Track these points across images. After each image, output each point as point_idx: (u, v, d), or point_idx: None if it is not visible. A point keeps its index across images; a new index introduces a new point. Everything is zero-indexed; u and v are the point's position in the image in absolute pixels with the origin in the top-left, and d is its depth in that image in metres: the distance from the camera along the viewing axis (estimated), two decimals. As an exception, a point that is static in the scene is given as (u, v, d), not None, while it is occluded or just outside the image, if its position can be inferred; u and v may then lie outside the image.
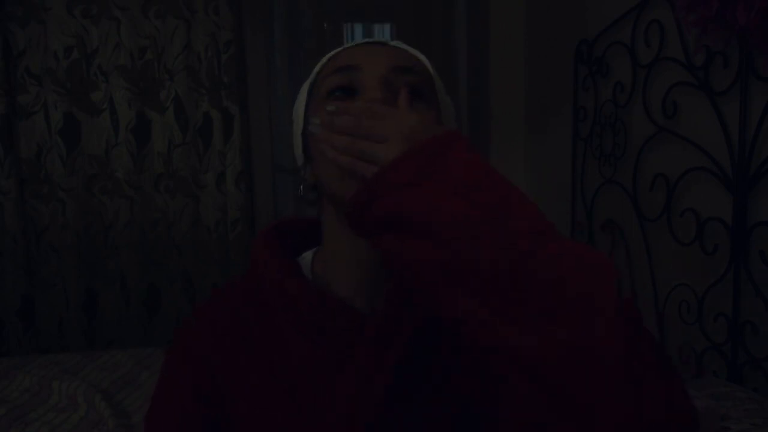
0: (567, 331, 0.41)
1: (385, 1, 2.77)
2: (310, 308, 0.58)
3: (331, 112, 0.51)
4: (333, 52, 0.64)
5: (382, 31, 2.83)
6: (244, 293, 0.64)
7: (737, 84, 1.25)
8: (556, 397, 0.41)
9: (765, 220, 1.20)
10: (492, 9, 2.19)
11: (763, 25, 1.12)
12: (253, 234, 2.46)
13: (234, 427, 0.59)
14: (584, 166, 1.85)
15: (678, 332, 1.46)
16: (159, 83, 2.31)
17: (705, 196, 1.37)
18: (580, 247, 0.45)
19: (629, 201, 1.62)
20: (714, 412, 1.05)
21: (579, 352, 0.40)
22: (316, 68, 0.65)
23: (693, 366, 1.40)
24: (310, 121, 0.55)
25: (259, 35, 2.42)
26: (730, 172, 1.28)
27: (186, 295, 2.41)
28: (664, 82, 1.47)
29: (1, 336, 2.24)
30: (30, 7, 2.17)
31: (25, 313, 2.25)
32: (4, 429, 1.50)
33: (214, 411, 0.59)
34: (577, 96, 1.87)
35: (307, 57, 2.64)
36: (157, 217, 2.36)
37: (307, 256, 0.67)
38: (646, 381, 0.41)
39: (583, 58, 1.82)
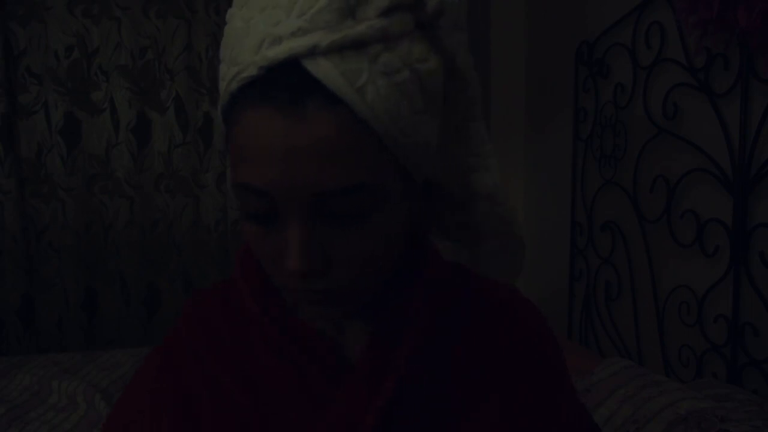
0: None
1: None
2: (278, 336, 0.55)
3: None
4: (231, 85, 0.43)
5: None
6: (222, 306, 0.60)
7: (738, 86, 1.25)
8: None
9: (765, 222, 1.21)
10: (492, 9, 2.19)
11: (763, 27, 1.12)
12: (253, 234, 2.46)
13: None
14: (584, 167, 1.85)
15: (678, 333, 1.46)
16: (159, 83, 2.31)
17: (705, 197, 1.37)
18: None
19: (629, 202, 1.62)
20: (714, 413, 1.05)
21: None
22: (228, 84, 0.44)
23: (693, 367, 1.40)
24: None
25: (260, 35, 2.42)
26: (731, 174, 1.28)
27: (186, 295, 2.41)
28: (664, 84, 1.47)
29: (1, 336, 2.24)
30: (31, 7, 2.16)
31: (25, 312, 2.25)
32: (4, 428, 1.50)
33: None
34: (577, 97, 1.87)
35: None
36: (157, 217, 2.36)
37: None
38: None
39: (583, 59, 1.82)
